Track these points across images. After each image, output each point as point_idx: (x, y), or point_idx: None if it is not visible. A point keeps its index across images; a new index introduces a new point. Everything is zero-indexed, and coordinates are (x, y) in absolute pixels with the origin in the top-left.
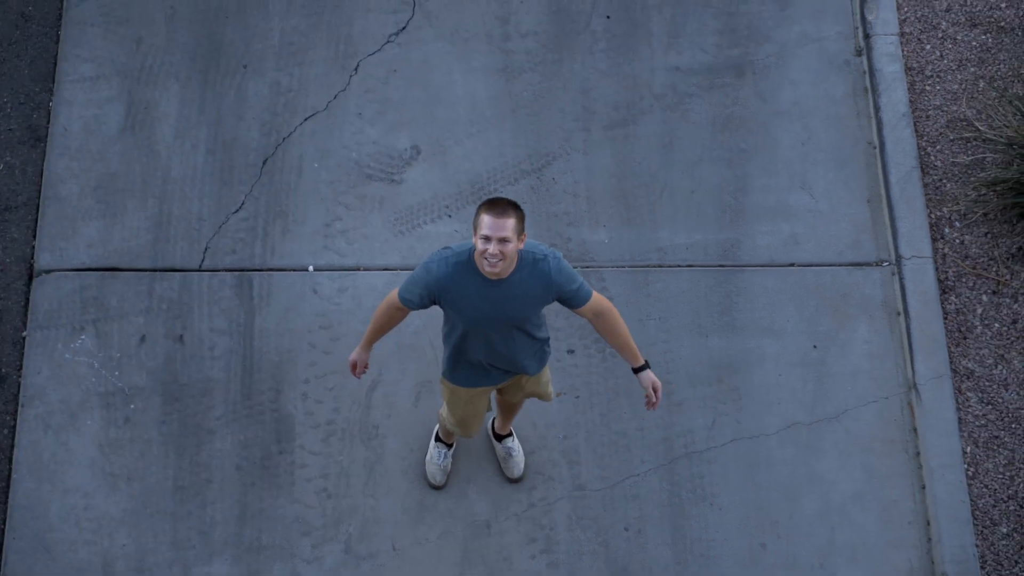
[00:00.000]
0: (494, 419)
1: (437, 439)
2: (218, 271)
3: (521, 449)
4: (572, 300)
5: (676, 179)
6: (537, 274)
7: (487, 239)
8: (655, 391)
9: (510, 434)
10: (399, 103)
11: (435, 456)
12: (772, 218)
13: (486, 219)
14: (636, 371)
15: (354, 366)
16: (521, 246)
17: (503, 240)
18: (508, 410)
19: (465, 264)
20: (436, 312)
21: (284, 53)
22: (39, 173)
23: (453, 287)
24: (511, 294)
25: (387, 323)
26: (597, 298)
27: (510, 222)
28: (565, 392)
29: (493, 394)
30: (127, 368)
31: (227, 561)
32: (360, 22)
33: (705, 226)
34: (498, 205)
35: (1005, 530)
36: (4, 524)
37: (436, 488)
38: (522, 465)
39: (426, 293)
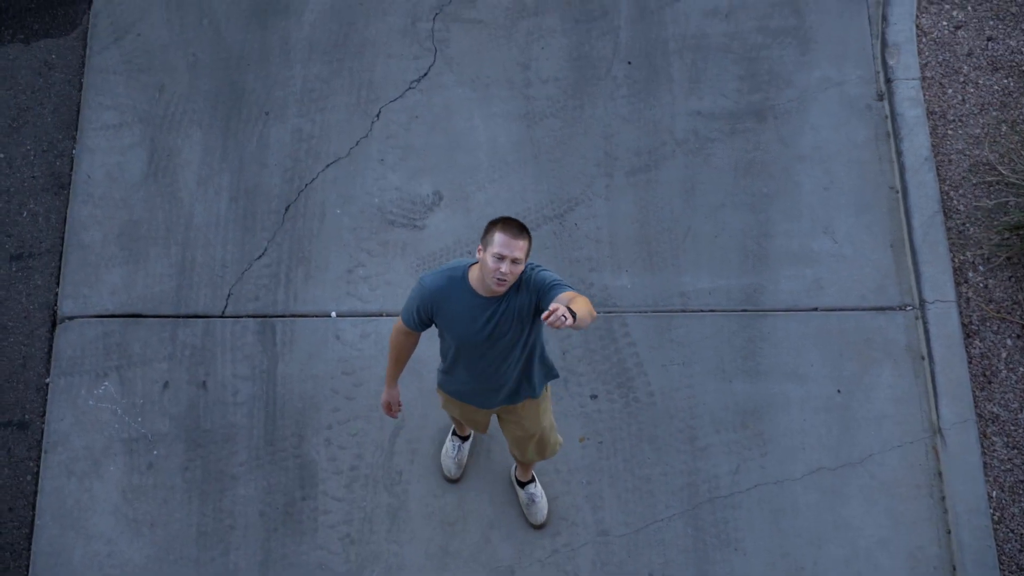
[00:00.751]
0: (515, 467)
1: (453, 433)
2: (241, 317)
3: (544, 495)
4: (551, 292)
5: (699, 224)
6: (522, 287)
7: (501, 258)
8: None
9: (532, 480)
10: (421, 149)
11: (450, 449)
12: (795, 263)
13: (501, 237)
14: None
15: (388, 407)
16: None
17: (516, 260)
18: (522, 463)
19: (459, 280)
20: None
21: (306, 100)
22: (62, 220)
23: (444, 300)
24: (500, 311)
25: (401, 351)
26: (574, 293)
27: (523, 243)
28: (589, 437)
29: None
30: (150, 414)
31: None
32: (381, 68)
33: (728, 271)
34: (513, 225)
35: None
36: (28, 570)
37: (451, 481)
38: (545, 511)
39: (422, 307)
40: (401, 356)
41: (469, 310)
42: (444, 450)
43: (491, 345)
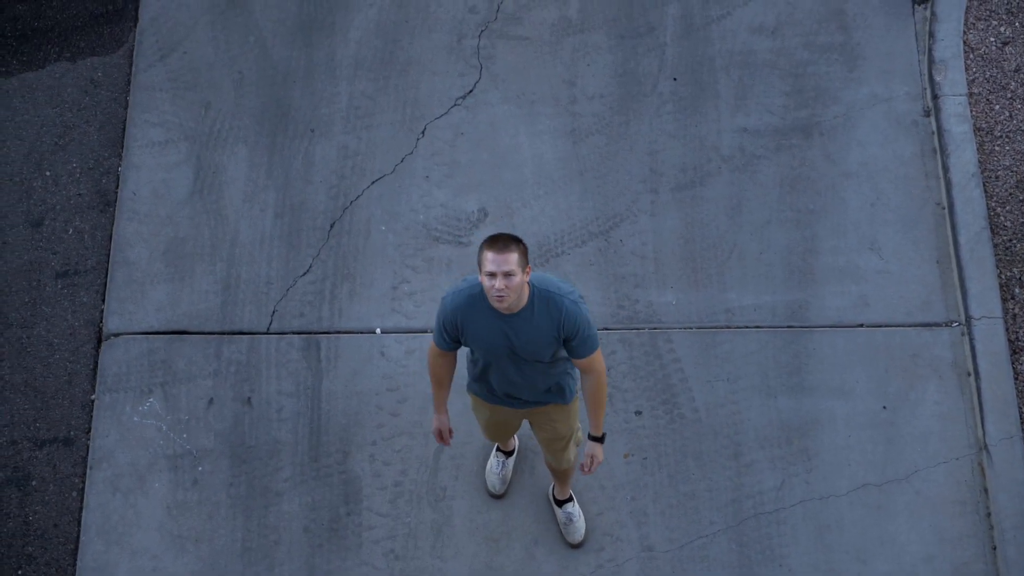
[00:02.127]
0: (553, 486)
1: (497, 449)
2: (286, 334)
3: (582, 514)
4: (577, 348)
5: (744, 240)
6: (551, 310)
7: (492, 275)
8: (592, 460)
9: (570, 499)
10: (466, 166)
11: (494, 465)
12: (841, 279)
13: (489, 255)
14: (591, 438)
15: (439, 434)
16: (527, 279)
17: (508, 274)
18: (559, 474)
19: (478, 296)
20: None
21: (351, 117)
22: (108, 237)
23: (466, 319)
24: (522, 328)
25: (440, 373)
26: (598, 355)
27: (512, 256)
28: (633, 453)
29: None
30: (195, 431)
31: None
32: (426, 85)
33: (774, 287)
34: (499, 240)
35: None
36: None
37: (496, 497)
38: (583, 530)
39: (446, 327)
40: (442, 379)
41: (490, 326)
42: (488, 466)
43: (517, 357)
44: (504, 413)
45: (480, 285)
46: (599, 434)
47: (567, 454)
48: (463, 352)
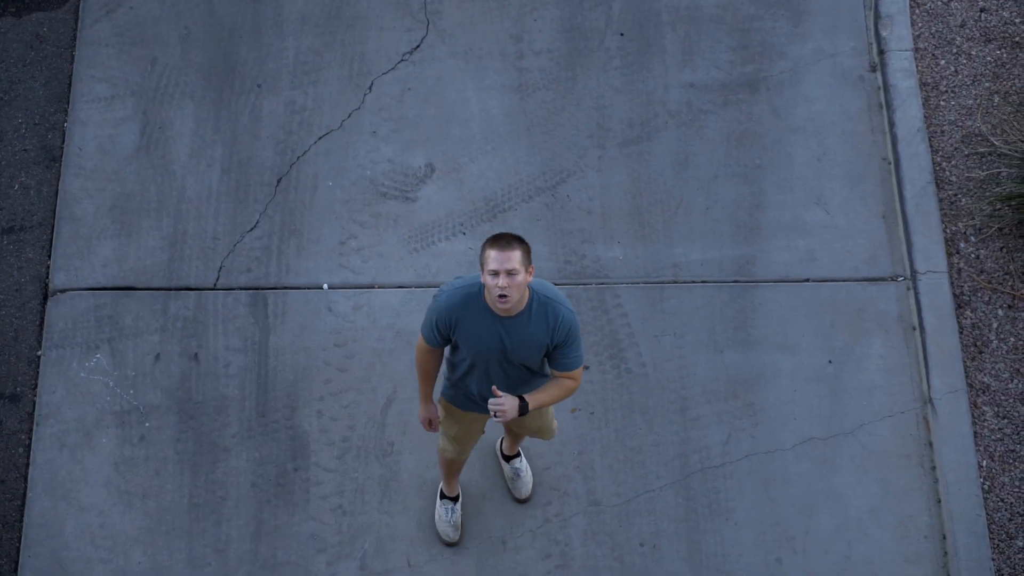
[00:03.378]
0: (502, 439)
1: (442, 496)
2: (233, 289)
3: (529, 469)
4: (561, 358)
5: (691, 195)
6: (547, 316)
7: (495, 273)
8: (499, 406)
9: (518, 454)
10: (413, 121)
11: (443, 514)
12: (787, 234)
13: (492, 254)
14: (519, 396)
15: (427, 423)
16: (530, 278)
17: (511, 272)
18: (514, 432)
19: (475, 296)
20: None
21: (298, 72)
22: (54, 193)
23: (461, 317)
24: (516, 332)
25: (427, 368)
26: (579, 374)
27: (516, 254)
28: (580, 408)
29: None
30: (142, 386)
31: None
32: (374, 41)
33: (720, 242)
34: (502, 239)
35: (1021, 543)
36: (20, 542)
37: (451, 545)
38: (530, 485)
39: (440, 324)
40: (429, 373)
41: (485, 327)
42: (437, 516)
43: (506, 360)
44: (475, 420)
45: (478, 284)
46: (526, 402)
47: (548, 432)
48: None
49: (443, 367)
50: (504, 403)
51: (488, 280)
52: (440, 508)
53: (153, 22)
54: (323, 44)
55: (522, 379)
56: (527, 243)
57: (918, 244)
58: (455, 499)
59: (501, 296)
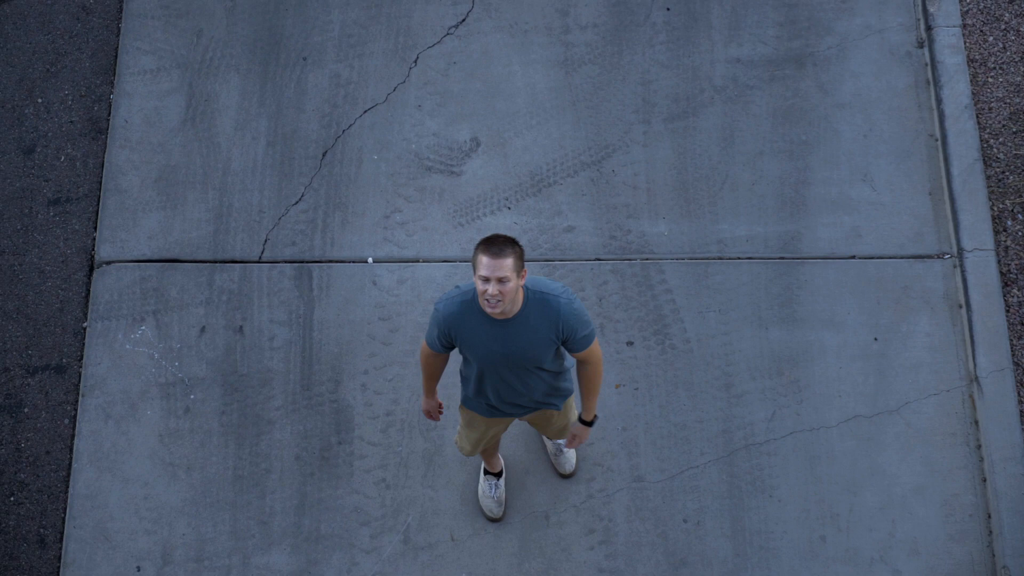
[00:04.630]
0: None
1: (485, 472)
2: (278, 263)
3: None
4: (575, 345)
5: (737, 171)
6: (546, 312)
7: (486, 280)
8: (574, 440)
9: None
10: (459, 95)
11: (486, 489)
12: (833, 210)
13: (483, 259)
14: (582, 421)
15: (429, 414)
16: (522, 283)
17: (501, 280)
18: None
19: (471, 303)
20: None
21: (344, 45)
22: (100, 165)
23: (461, 326)
24: (518, 333)
25: (431, 370)
26: (595, 345)
27: (508, 261)
28: (624, 384)
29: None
30: (187, 359)
31: (286, 551)
32: (419, 14)
33: (766, 218)
34: (495, 244)
35: None
36: (65, 513)
37: (494, 520)
38: (573, 462)
39: (441, 334)
40: (434, 373)
41: (484, 332)
42: (480, 491)
43: (512, 363)
44: (498, 423)
45: (472, 291)
46: (590, 418)
47: (555, 433)
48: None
49: (460, 379)
50: (581, 439)
51: (479, 285)
52: (483, 483)
53: None
54: (368, 17)
55: (536, 380)
56: (520, 247)
57: (965, 222)
58: (498, 475)
59: (489, 303)
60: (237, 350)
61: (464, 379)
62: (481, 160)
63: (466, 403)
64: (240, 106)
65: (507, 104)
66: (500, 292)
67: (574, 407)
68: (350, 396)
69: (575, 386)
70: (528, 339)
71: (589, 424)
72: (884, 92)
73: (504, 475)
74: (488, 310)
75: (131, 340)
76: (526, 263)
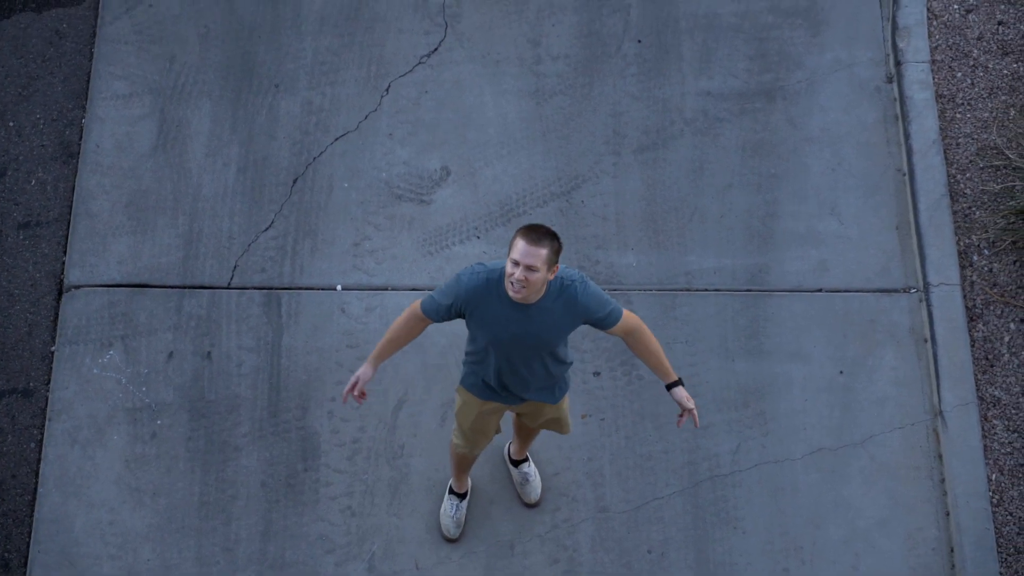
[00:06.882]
0: (510, 443)
1: (451, 491)
2: (247, 289)
3: (538, 474)
4: (603, 322)
5: (706, 203)
6: (564, 300)
7: (516, 263)
8: (690, 413)
9: (526, 459)
10: (430, 124)
11: (448, 509)
12: (801, 244)
13: (520, 244)
14: (669, 387)
15: (354, 385)
16: (551, 277)
17: (530, 268)
18: (525, 435)
19: (496, 282)
20: (462, 332)
21: (316, 73)
22: (71, 189)
23: (480, 302)
24: (536, 318)
25: (405, 335)
26: (628, 316)
27: (543, 252)
28: (590, 414)
29: (511, 418)
30: (154, 384)
31: None
32: (392, 43)
33: (734, 251)
34: (536, 232)
35: None
36: (30, 537)
37: (450, 541)
38: (539, 490)
39: (453, 304)
40: (400, 340)
41: (504, 314)
42: (443, 509)
43: (524, 345)
44: (493, 411)
45: (499, 270)
46: (675, 379)
47: (565, 425)
48: (447, 340)
49: (464, 359)
50: (687, 400)
51: (508, 266)
52: (447, 502)
53: (172, 20)
54: (341, 45)
55: (540, 364)
56: (560, 242)
57: (931, 256)
58: (463, 496)
59: (515, 288)
60: (205, 376)
61: (467, 356)
62: (451, 189)
63: (463, 382)
64: (212, 132)
65: (478, 134)
66: (526, 279)
67: (567, 404)
68: (317, 423)
69: (564, 391)
70: (544, 324)
71: (679, 383)
72: (853, 127)
73: (468, 499)
74: (511, 293)
75: (99, 365)
76: None
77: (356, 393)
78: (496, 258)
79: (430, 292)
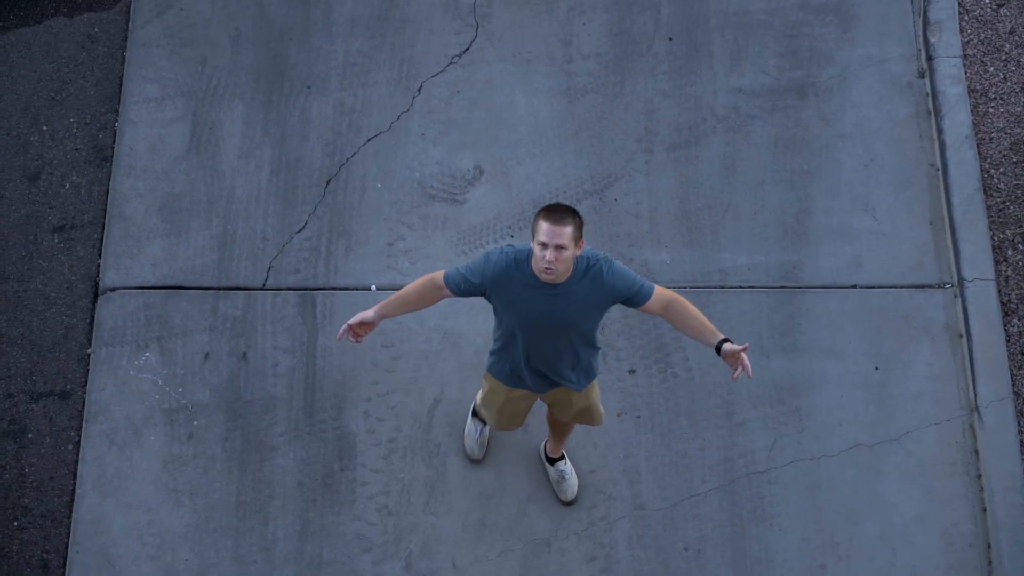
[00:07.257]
0: (546, 442)
1: (474, 414)
2: (281, 290)
3: (574, 472)
4: (634, 299)
5: (739, 200)
6: (591, 280)
7: (544, 245)
8: (743, 367)
9: (562, 457)
10: (462, 124)
11: (472, 431)
12: (835, 240)
13: (544, 225)
14: (718, 349)
15: (352, 325)
16: (579, 252)
17: (559, 247)
18: (559, 431)
19: (523, 264)
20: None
21: (348, 74)
22: (105, 192)
23: (507, 283)
24: (565, 300)
25: (415, 299)
26: (661, 291)
27: (568, 229)
28: (626, 412)
29: (545, 412)
30: (191, 385)
31: None
32: (423, 43)
33: (767, 247)
34: (556, 211)
35: None
36: (68, 538)
37: (475, 461)
38: (575, 488)
39: (479, 282)
40: (409, 304)
41: (531, 295)
42: (466, 431)
43: (548, 328)
44: (521, 398)
45: (527, 252)
46: (722, 337)
47: (596, 416)
48: (483, 340)
49: (492, 344)
50: (738, 353)
51: (536, 250)
52: (470, 424)
53: (204, 23)
54: (372, 46)
55: (568, 345)
56: (580, 217)
57: (965, 251)
58: (485, 423)
59: (546, 269)
60: (241, 377)
61: (494, 341)
62: (484, 188)
63: (491, 369)
64: (244, 134)
65: (510, 133)
66: (556, 259)
67: (598, 391)
68: (353, 423)
69: (590, 378)
70: (571, 304)
71: (726, 340)
72: (885, 122)
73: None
74: (543, 277)
75: (135, 366)
76: None
77: (353, 332)
78: None
79: (456, 266)
